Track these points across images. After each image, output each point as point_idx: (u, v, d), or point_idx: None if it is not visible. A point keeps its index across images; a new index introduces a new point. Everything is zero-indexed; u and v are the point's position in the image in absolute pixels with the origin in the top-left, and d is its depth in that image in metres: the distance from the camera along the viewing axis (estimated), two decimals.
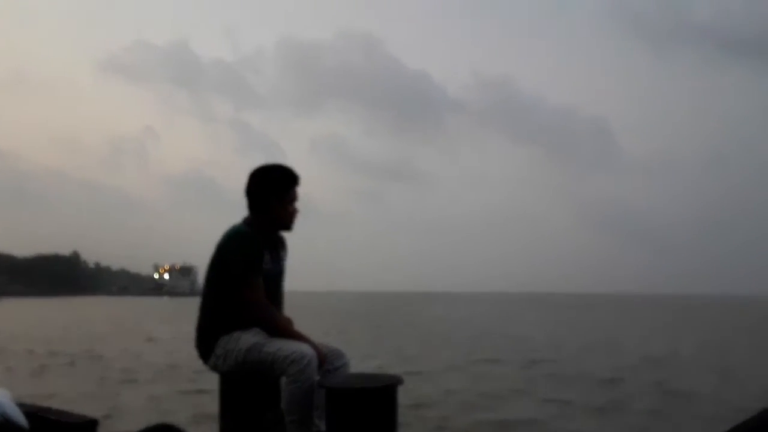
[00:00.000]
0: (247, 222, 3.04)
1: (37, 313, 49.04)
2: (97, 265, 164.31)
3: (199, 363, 3.07)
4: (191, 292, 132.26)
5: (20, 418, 3.03)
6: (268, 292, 2.99)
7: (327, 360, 2.88)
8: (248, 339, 2.87)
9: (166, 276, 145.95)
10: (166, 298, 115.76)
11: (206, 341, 2.98)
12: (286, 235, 3.19)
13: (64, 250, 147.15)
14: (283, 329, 2.91)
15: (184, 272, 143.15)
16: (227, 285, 2.92)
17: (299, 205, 3.09)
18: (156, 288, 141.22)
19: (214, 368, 2.98)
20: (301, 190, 3.12)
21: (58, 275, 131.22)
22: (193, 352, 3.08)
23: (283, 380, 2.78)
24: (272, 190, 3.01)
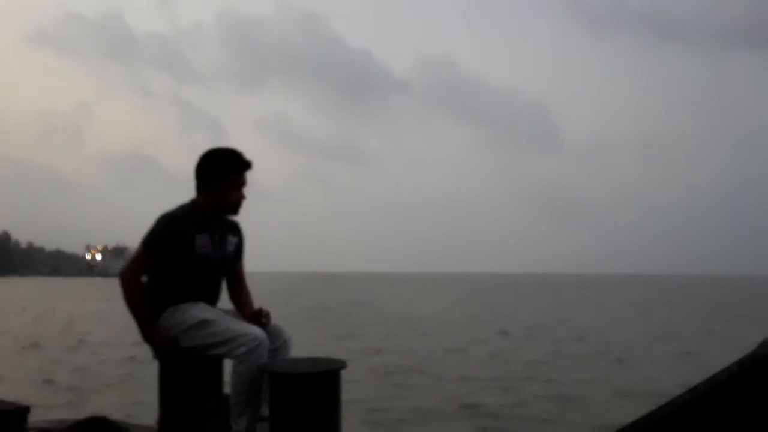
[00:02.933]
0: (191, 201, 3.00)
1: None
2: (30, 245, 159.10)
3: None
4: None
5: None
6: (209, 276, 2.98)
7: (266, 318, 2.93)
8: (196, 314, 2.84)
9: (99, 257, 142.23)
10: (98, 279, 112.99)
11: (151, 313, 2.92)
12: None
13: None
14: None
15: (117, 253, 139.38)
16: (165, 259, 2.90)
17: (247, 191, 3.04)
18: (88, 269, 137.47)
19: None
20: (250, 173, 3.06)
21: None
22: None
23: (231, 362, 2.77)
24: (215, 173, 2.97)
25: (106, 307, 30.64)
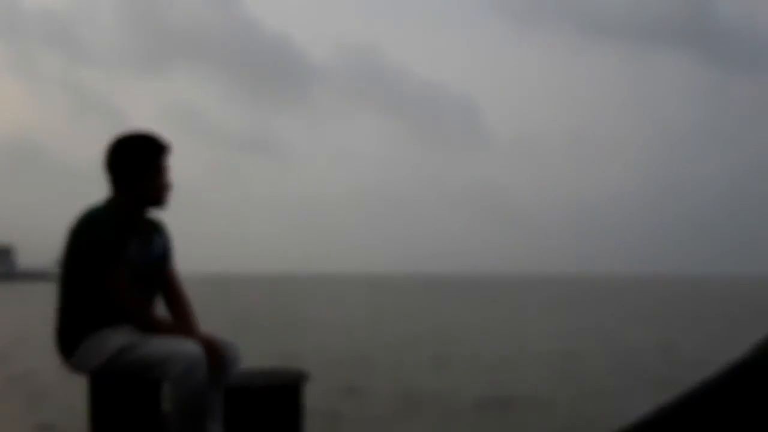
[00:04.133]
0: (109, 202, 2.77)
1: None
2: None
3: None
4: (7, 276, 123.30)
5: None
6: (138, 282, 2.74)
7: (220, 354, 2.70)
8: (119, 339, 2.62)
9: None
10: None
11: (68, 339, 2.70)
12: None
13: None
14: (154, 325, 2.69)
15: None
16: (85, 277, 2.66)
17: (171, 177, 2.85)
18: None
19: (76, 368, 2.72)
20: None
21: None
22: None
23: (167, 384, 2.59)
24: (133, 163, 2.75)
25: None
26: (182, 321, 2.85)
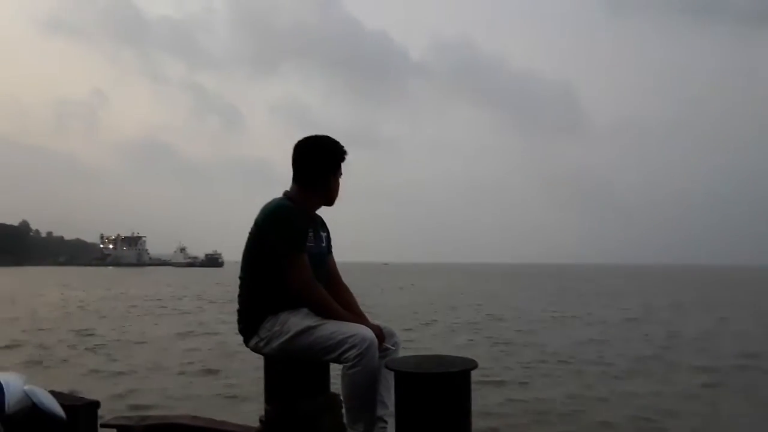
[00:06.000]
0: (288, 196, 2.91)
1: None
2: (50, 234, 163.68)
3: None
4: (138, 263, 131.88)
5: (57, 408, 2.87)
6: (313, 270, 2.85)
7: (386, 339, 2.80)
8: (298, 321, 2.75)
9: (111, 246, 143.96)
10: (110, 269, 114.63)
11: (249, 322, 2.86)
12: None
13: (12, 219, 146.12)
14: (334, 311, 2.79)
15: (130, 242, 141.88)
16: (269, 263, 2.79)
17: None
18: (101, 258, 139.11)
19: (255, 349, 2.88)
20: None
21: (3, 245, 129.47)
22: None
23: (343, 365, 2.68)
24: (329, 164, 2.91)
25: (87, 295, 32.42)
26: (349, 308, 2.94)
